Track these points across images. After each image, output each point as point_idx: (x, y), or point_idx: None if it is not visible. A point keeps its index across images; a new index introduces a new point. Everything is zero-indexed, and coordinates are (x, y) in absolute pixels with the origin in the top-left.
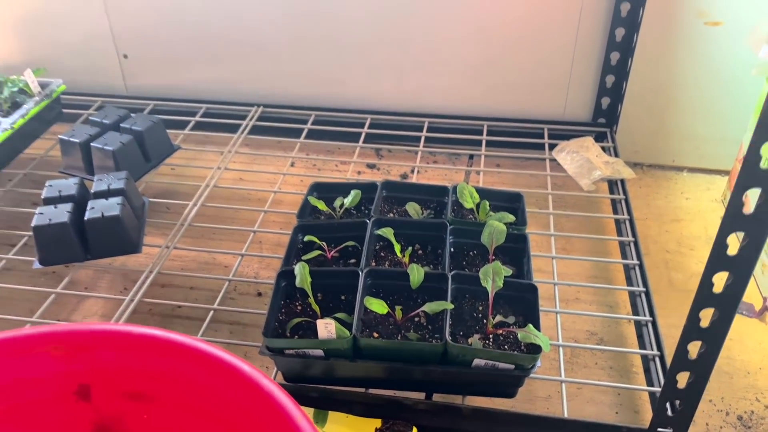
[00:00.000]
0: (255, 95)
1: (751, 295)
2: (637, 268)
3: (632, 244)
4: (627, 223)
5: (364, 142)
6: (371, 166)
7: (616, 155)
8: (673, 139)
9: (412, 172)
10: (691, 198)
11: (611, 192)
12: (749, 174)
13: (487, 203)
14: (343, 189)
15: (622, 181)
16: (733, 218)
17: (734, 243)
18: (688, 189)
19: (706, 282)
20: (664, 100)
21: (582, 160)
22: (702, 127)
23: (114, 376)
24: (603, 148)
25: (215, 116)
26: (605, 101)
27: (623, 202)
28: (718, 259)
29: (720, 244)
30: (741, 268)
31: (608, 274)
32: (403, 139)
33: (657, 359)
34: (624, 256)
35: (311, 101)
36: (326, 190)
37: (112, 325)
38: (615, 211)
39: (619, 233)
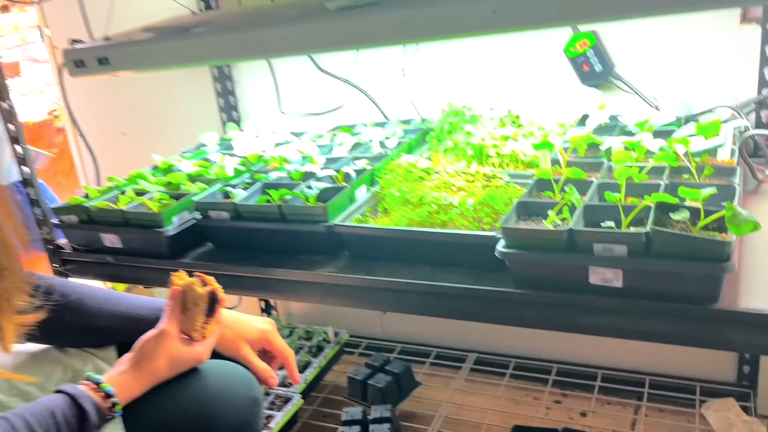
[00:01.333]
0: (472, 344)
1: None
2: None
3: None
4: None
5: (552, 385)
6: (557, 402)
7: (756, 415)
8: None
9: (590, 411)
10: None
11: None
12: None
13: None
14: None
15: None
16: None
17: None
18: None
19: None
20: None
21: (724, 419)
22: None
23: None
24: (744, 408)
25: (443, 358)
26: (746, 368)
27: None
28: None
29: None
30: None
31: None
32: (583, 386)
33: None
34: None
35: (513, 351)
36: None
37: None
38: None
39: None
